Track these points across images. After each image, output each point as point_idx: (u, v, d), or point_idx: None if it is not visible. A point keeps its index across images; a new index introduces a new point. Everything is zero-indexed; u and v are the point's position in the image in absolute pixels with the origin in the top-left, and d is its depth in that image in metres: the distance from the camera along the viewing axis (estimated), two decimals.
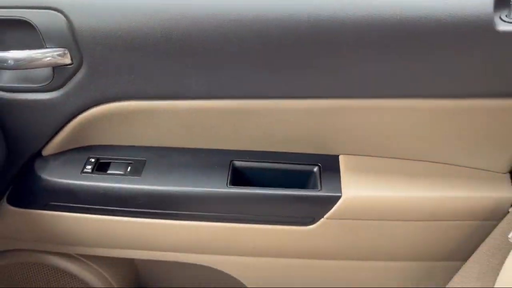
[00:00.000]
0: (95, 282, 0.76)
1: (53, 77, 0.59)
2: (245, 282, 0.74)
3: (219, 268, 0.72)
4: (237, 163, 0.66)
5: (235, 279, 0.73)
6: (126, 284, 0.80)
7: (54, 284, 0.77)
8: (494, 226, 0.61)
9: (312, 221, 0.64)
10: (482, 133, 0.60)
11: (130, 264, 0.81)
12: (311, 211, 0.63)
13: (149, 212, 0.65)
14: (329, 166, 0.65)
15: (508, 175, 0.64)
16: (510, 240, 0.56)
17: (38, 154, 0.67)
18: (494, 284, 0.53)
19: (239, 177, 0.66)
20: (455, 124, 0.60)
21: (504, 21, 0.51)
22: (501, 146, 0.61)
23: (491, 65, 0.54)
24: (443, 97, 0.57)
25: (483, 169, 0.64)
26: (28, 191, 0.67)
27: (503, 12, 0.52)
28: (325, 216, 0.63)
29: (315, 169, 0.66)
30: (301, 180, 0.66)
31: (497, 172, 0.64)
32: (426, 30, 0.51)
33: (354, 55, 0.54)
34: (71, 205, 0.65)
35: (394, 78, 0.56)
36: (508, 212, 0.61)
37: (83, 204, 0.65)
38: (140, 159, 0.67)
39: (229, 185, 0.63)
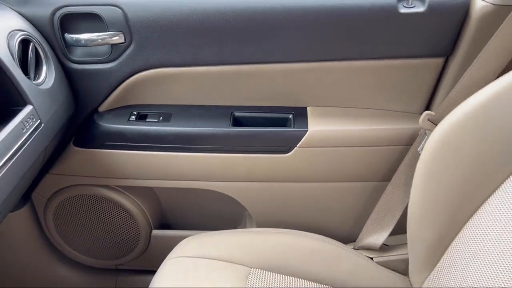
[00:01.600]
0: (132, 208, 1.04)
1: (111, 52, 0.87)
2: (242, 202, 1.01)
3: (222, 191, 1.00)
4: (236, 113, 0.95)
5: (235, 200, 1.01)
6: (152, 210, 1.07)
7: (102, 211, 1.04)
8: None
9: (289, 149, 0.92)
10: (399, 85, 0.89)
11: (155, 193, 1.08)
12: (288, 143, 0.92)
13: (175, 147, 0.93)
14: (300, 113, 0.94)
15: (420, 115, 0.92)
16: (419, 152, 0.85)
17: (96, 110, 0.95)
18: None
19: (238, 122, 0.94)
20: (381, 79, 0.89)
21: (405, 6, 0.81)
22: (414, 94, 0.91)
23: (397, 36, 0.83)
24: (370, 59, 0.86)
25: (404, 111, 0.93)
26: (89, 135, 0.95)
27: (404, 2, 0.82)
28: (297, 146, 0.91)
29: (290, 116, 0.94)
30: (281, 123, 0.94)
31: (414, 113, 0.93)
32: (354, 16, 0.81)
33: (307, 34, 0.83)
34: (120, 143, 0.93)
35: (338, 47, 0.85)
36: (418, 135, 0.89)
37: (128, 143, 0.93)
38: (168, 112, 0.95)
39: (231, 126, 0.92)
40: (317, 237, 0.93)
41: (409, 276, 0.84)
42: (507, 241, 0.59)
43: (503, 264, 0.59)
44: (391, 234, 0.95)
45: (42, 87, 0.79)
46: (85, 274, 1.18)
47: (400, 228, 0.91)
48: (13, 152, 0.68)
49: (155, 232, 1.08)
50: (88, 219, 1.06)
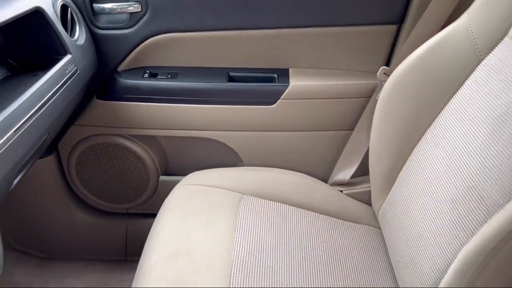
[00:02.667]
0: (143, 156, 1.23)
1: (130, 20, 1.08)
2: (235, 149, 1.21)
3: (218, 139, 1.20)
4: (231, 73, 1.16)
5: (230, 148, 1.21)
6: (159, 158, 1.27)
7: (118, 158, 1.24)
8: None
9: (274, 101, 1.13)
10: (361, 49, 1.11)
11: (161, 143, 1.28)
12: (273, 96, 1.12)
13: (180, 99, 1.13)
14: (283, 74, 1.15)
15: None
16: (376, 99, 1.05)
17: (115, 69, 1.15)
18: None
19: (232, 80, 1.15)
20: (346, 44, 1.10)
21: None
22: (374, 56, 1.12)
23: (358, 7, 1.04)
24: (336, 26, 1.07)
25: (367, 70, 1.14)
26: (110, 90, 1.14)
27: None
28: (281, 98, 1.12)
29: (275, 75, 1.15)
30: (268, 80, 1.15)
31: (374, 72, 1.14)
32: None
33: (287, 4, 1.04)
34: (135, 96, 1.13)
35: (312, 14, 1.06)
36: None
37: (142, 96, 1.13)
38: (175, 71, 1.15)
39: (227, 82, 1.13)
40: (297, 174, 1.13)
41: (372, 204, 1.04)
42: (442, 160, 0.76)
43: (438, 179, 0.75)
44: (359, 175, 1.16)
45: (77, 43, 0.99)
46: (100, 218, 1.37)
47: (366, 170, 1.11)
48: (56, 89, 0.88)
49: (162, 178, 1.28)
50: (106, 165, 1.26)
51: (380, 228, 1.00)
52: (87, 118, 1.18)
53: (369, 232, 1.01)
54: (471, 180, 0.68)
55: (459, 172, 0.71)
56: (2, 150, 0.69)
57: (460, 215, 0.68)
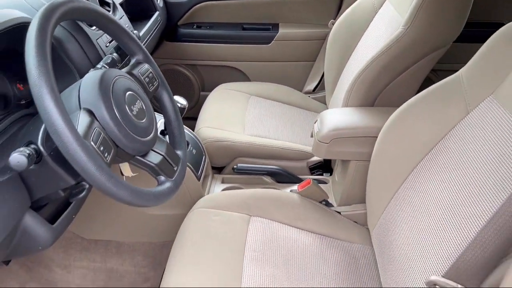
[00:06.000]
0: (192, 79, 2.04)
1: None
2: (246, 73, 2.01)
3: (235, 67, 2.00)
4: (244, 25, 1.96)
5: (242, 72, 2.01)
6: (201, 80, 2.07)
7: (178, 81, 2.05)
8: None
9: (269, 42, 1.92)
10: (316, 9, 1.89)
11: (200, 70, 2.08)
12: (269, 38, 1.92)
13: (214, 41, 1.93)
14: (275, 26, 1.95)
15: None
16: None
17: (177, 23, 1.95)
18: None
19: (245, 29, 1.95)
20: (306, 6, 1.88)
21: None
22: (325, 13, 1.90)
23: None
24: None
25: (320, 24, 1.91)
26: (174, 35, 1.95)
27: None
28: (273, 40, 1.91)
29: (270, 26, 1.95)
30: (266, 29, 1.95)
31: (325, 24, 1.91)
32: None
33: None
34: (189, 38, 1.94)
35: None
36: None
37: (193, 38, 1.94)
38: (211, 25, 1.95)
39: (242, 30, 1.93)
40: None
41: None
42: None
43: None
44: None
45: (160, 5, 1.79)
46: None
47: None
48: (152, 32, 1.68)
49: (202, 93, 2.09)
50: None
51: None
52: (159, 54, 1.99)
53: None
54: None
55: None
56: None
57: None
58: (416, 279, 0.77)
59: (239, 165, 1.44)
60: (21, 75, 0.92)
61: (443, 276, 0.67)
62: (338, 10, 1.90)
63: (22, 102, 0.94)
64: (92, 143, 0.68)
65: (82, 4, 0.79)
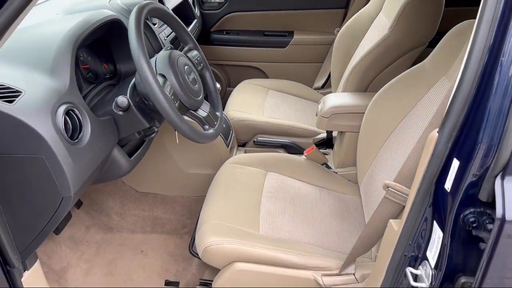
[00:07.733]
0: (218, 74, 2.43)
1: (218, 5, 2.28)
2: (265, 72, 2.40)
3: (257, 66, 2.38)
4: (266, 33, 2.35)
5: (262, 71, 2.39)
6: (226, 76, 2.46)
7: None
8: None
9: (285, 47, 2.30)
10: (323, 20, 2.26)
11: (226, 69, 2.47)
12: (284, 43, 2.30)
13: (240, 45, 2.33)
14: (290, 33, 2.33)
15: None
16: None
17: (210, 29, 2.35)
18: None
19: (265, 35, 2.34)
20: (316, 16, 2.26)
21: None
22: (330, 22, 2.27)
23: None
24: (310, 9, 2.24)
25: (326, 31, 2.29)
26: (207, 39, 2.35)
27: None
28: (289, 44, 2.29)
29: (286, 33, 2.33)
30: (283, 35, 2.33)
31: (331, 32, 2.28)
32: None
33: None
34: (220, 42, 2.34)
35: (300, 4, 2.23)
36: None
37: (223, 42, 2.33)
38: (238, 32, 2.35)
39: (263, 36, 2.32)
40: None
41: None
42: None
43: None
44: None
45: (197, 13, 2.19)
46: None
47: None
48: (192, 34, 2.08)
49: (228, 88, 2.47)
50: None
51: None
52: None
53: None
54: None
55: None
56: None
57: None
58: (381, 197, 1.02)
59: (259, 138, 1.81)
60: (105, 58, 1.31)
61: (393, 181, 0.94)
62: (343, 20, 2.27)
63: (106, 76, 1.32)
64: (167, 92, 1.05)
65: (158, 5, 1.18)
